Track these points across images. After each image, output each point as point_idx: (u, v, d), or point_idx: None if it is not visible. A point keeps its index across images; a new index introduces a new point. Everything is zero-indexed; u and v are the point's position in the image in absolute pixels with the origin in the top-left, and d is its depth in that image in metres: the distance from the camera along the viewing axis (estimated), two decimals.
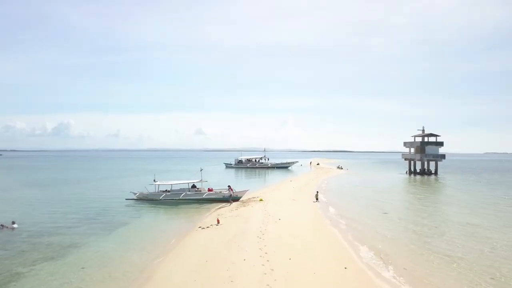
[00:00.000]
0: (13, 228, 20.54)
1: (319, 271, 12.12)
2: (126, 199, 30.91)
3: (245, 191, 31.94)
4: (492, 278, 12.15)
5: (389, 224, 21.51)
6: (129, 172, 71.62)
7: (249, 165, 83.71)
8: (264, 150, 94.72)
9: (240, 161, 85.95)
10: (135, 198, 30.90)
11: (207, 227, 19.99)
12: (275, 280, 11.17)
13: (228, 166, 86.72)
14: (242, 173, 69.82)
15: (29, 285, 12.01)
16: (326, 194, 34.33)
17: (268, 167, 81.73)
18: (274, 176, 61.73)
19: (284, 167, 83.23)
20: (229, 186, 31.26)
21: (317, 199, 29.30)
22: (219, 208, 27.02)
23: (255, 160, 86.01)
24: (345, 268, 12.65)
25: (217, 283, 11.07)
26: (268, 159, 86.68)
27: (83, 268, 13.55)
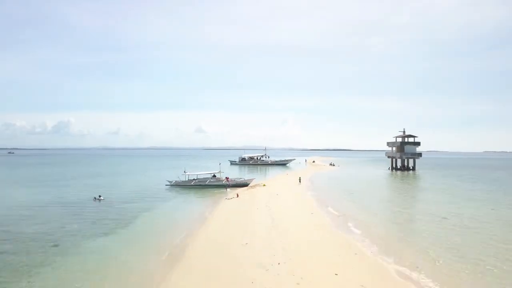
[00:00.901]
0: (100, 200, 31.97)
1: (299, 217, 23.64)
2: (166, 185, 42.28)
3: (252, 179, 43.60)
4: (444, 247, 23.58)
5: (349, 198, 33.04)
6: (153, 168, 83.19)
7: (251, 162, 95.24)
8: (265, 149, 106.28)
9: (243, 159, 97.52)
10: (171, 184, 42.31)
11: (231, 198, 31.50)
12: (276, 224, 22.68)
13: (232, 163, 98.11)
14: (246, 169, 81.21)
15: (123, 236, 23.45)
16: (310, 182, 45.89)
17: (268, 164, 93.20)
18: (274, 171, 73.21)
19: (282, 164, 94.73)
20: (226, 177, 42.75)
21: (300, 181, 40.72)
22: (235, 189, 38.53)
23: (257, 158, 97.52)
24: (312, 213, 24.18)
25: (242, 229, 22.42)
26: (269, 157, 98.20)
27: (157, 218, 25.06)
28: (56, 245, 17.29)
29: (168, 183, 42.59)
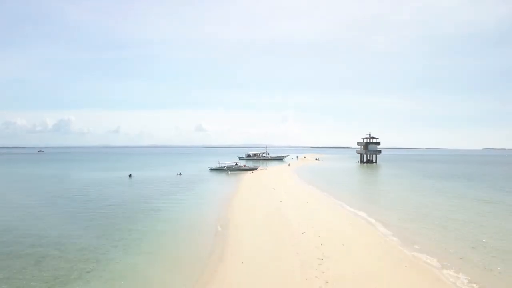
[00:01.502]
0: (180, 175, 59.77)
1: (284, 179, 51.84)
2: (210, 169, 69.98)
3: (258, 166, 71.97)
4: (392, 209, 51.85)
5: (314, 175, 61.07)
6: (184, 161, 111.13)
7: (255, 158, 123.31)
8: (266, 147, 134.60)
9: (249, 155, 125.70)
10: (212, 169, 70.09)
11: (250, 174, 59.64)
12: (274, 189, 50.89)
13: (240, 158, 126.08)
14: (251, 163, 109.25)
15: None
16: (295, 168, 74.11)
17: (268, 159, 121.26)
18: (272, 164, 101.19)
19: (279, 159, 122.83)
20: (236, 163, 70.81)
21: (289, 165, 68.98)
22: (250, 172, 66.48)
23: (260, 154, 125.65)
24: (291, 178, 52.34)
25: (260, 184, 50.56)
26: (269, 154, 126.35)
27: (213, 183, 53.08)
28: (164, 194, 45.18)
29: (209, 169, 70.61)
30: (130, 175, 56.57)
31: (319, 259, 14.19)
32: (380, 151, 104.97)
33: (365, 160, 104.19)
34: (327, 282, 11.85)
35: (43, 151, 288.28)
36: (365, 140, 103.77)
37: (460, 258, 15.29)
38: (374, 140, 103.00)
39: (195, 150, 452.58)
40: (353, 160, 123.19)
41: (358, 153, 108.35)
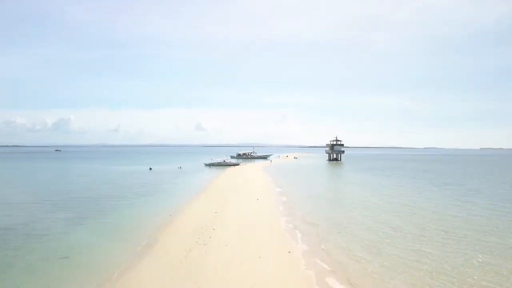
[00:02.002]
0: (180, 168, 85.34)
1: (257, 170, 77.65)
2: (204, 165, 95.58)
3: (240, 162, 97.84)
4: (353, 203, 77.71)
5: (279, 171, 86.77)
6: (182, 159, 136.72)
7: (244, 156, 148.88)
8: (253, 148, 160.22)
9: (239, 154, 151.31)
10: (206, 164, 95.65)
11: (233, 168, 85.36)
12: (250, 171, 76.78)
13: (232, 157, 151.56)
14: (241, 160, 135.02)
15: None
16: (271, 165, 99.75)
17: (255, 157, 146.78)
18: (258, 161, 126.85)
19: (264, 157, 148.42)
20: (224, 160, 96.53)
21: (271, 162, 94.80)
22: (233, 166, 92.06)
23: (248, 153, 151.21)
24: (264, 170, 78.05)
25: (237, 174, 76.32)
26: (256, 153, 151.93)
27: (206, 173, 78.83)
28: (171, 179, 70.81)
29: (204, 164, 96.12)
30: (150, 168, 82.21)
31: (210, 225, 39.66)
32: (343, 151, 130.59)
33: (332, 158, 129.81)
34: (206, 244, 37.37)
35: (60, 150, 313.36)
36: (332, 142, 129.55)
37: (320, 221, 40.73)
38: (338, 143, 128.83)
39: (194, 149, 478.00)
40: (324, 158, 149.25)
41: (326, 153, 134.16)
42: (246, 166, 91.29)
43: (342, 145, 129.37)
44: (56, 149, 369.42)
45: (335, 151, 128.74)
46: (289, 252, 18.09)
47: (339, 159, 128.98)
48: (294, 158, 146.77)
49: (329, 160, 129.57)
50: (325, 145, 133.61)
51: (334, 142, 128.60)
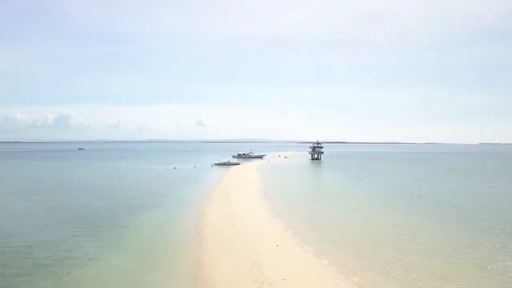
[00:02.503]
0: (260, 157, 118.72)
1: (251, 174, 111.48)
2: (211, 164, 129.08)
3: (240, 162, 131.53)
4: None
5: (269, 168, 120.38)
6: (194, 159, 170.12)
7: (243, 156, 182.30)
8: (251, 149, 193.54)
9: (239, 154, 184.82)
10: (213, 164, 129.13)
11: (236, 166, 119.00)
12: (247, 169, 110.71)
13: (234, 156, 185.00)
14: (241, 160, 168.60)
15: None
16: (264, 164, 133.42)
17: (253, 157, 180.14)
18: (255, 161, 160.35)
19: (260, 157, 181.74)
20: (228, 160, 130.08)
21: (269, 160, 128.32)
22: (235, 165, 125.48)
23: (247, 154, 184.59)
24: (257, 169, 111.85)
25: (240, 172, 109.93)
26: (253, 153, 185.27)
27: (214, 171, 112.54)
28: (192, 176, 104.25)
29: (213, 164, 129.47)
30: (175, 167, 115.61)
31: (226, 196, 72.95)
32: (323, 152, 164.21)
33: (314, 158, 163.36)
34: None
35: (83, 149, 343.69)
36: (314, 146, 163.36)
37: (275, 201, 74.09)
38: (319, 145, 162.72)
39: (195, 145, 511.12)
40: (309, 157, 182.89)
41: (309, 153, 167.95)
42: (245, 166, 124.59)
43: (322, 147, 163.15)
44: (79, 147, 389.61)
45: (316, 152, 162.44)
46: (263, 208, 51.44)
47: (319, 158, 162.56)
48: (284, 157, 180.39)
49: (312, 159, 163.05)
50: (309, 147, 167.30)
51: (315, 145, 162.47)
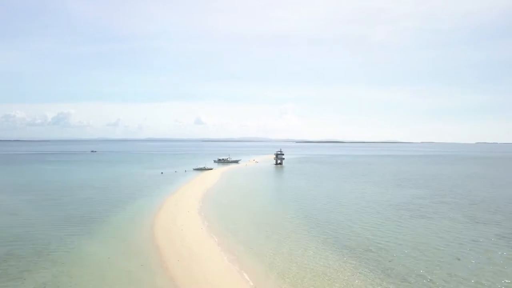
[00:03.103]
0: (236, 162, 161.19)
1: (213, 177, 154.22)
2: (214, 161, 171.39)
3: (212, 167, 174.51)
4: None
5: (233, 174, 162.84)
6: (179, 162, 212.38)
7: (222, 161, 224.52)
8: (229, 154, 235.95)
9: (219, 159, 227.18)
10: (215, 161, 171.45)
11: (209, 171, 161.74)
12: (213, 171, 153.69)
13: (215, 161, 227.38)
14: (220, 165, 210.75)
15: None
16: (237, 167, 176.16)
17: (229, 162, 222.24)
18: (230, 165, 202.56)
19: (236, 161, 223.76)
20: (204, 166, 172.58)
21: (246, 165, 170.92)
22: (209, 170, 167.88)
23: (225, 159, 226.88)
24: (224, 173, 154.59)
25: (219, 171, 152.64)
26: (231, 158, 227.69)
27: (214, 167, 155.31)
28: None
29: (186, 170, 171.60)
30: (162, 172, 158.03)
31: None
32: (284, 158, 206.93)
33: (277, 163, 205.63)
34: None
35: (95, 151, 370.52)
36: (277, 153, 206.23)
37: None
38: (281, 153, 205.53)
39: (194, 144, 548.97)
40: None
41: (273, 159, 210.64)
42: (216, 170, 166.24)
43: (283, 154, 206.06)
44: (92, 150, 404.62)
45: (278, 158, 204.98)
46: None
47: (282, 163, 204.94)
48: (256, 162, 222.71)
49: (275, 164, 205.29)
50: (274, 154, 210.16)
51: (278, 153, 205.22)
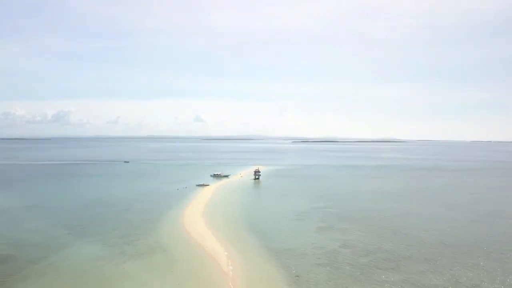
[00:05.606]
0: (227, 177, 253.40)
1: (208, 193, 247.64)
2: (210, 175, 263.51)
3: (208, 184, 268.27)
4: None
5: (221, 190, 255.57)
6: (188, 175, 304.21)
7: (217, 176, 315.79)
8: (221, 171, 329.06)
9: (215, 174, 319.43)
10: (211, 175, 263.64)
11: (207, 187, 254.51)
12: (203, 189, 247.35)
13: (211, 176, 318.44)
14: (216, 179, 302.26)
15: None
16: (226, 182, 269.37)
17: (222, 176, 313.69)
18: (223, 180, 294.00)
19: (227, 176, 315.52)
20: (203, 183, 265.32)
21: (241, 176, 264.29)
22: (207, 186, 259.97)
23: (219, 174, 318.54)
24: (210, 193, 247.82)
25: (218, 183, 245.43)
26: (223, 173, 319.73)
27: (213, 182, 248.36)
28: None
29: (211, 175, 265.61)
30: (177, 189, 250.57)
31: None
32: (260, 174, 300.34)
33: (255, 178, 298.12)
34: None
35: (128, 162, 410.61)
36: (255, 169, 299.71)
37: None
38: (258, 169, 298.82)
39: (194, 141, 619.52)
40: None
41: (253, 174, 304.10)
42: (212, 186, 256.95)
43: (259, 172, 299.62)
44: (125, 160, 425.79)
45: (256, 175, 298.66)
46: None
47: (259, 178, 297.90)
48: (241, 176, 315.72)
49: (254, 179, 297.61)
50: (253, 171, 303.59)
51: (257, 171, 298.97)
